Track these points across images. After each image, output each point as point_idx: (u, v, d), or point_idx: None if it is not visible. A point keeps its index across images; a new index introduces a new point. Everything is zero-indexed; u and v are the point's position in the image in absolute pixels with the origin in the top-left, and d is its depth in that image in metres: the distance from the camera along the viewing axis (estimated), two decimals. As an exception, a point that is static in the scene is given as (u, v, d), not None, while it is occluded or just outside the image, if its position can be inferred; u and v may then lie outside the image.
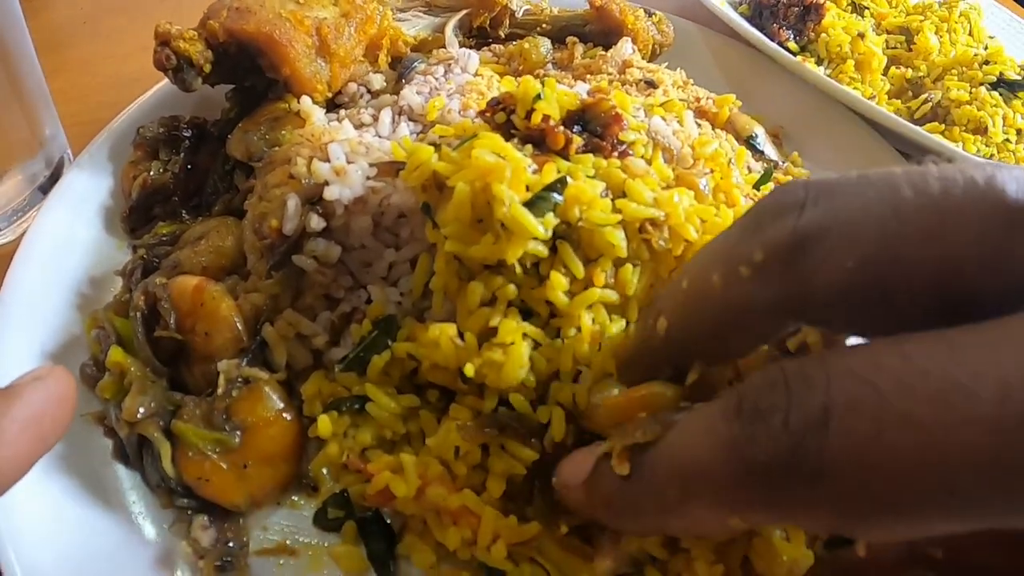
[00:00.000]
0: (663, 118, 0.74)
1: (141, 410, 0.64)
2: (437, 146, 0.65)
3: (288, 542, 0.65)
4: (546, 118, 0.67)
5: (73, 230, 0.78)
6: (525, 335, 0.63)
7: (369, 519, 0.64)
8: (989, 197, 0.36)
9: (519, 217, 0.60)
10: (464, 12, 0.91)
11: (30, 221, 0.79)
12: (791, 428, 0.36)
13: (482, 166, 0.61)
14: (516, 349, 0.62)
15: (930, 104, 0.96)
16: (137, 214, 0.78)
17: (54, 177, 0.86)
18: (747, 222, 0.43)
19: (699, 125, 0.79)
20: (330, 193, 0.64)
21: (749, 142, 0.80)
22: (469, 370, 0.62)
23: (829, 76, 0.97)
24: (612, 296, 0.64)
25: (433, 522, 0.62)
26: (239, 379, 0.65)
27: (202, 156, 0.79)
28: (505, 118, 0.69)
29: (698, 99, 0.80)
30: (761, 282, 0.41)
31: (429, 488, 0.61)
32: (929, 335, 0.35)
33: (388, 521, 0.64)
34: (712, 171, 0.74)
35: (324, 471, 0.66)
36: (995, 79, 0.97)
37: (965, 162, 0.85)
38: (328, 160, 0.66)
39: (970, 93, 0.95)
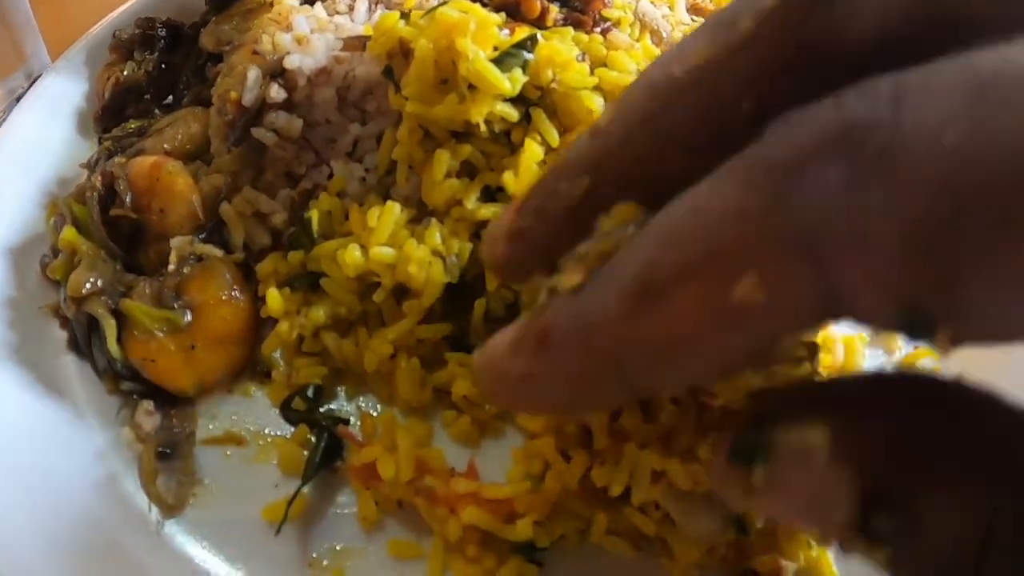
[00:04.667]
0: (652, 2, 0.70)
1: (88, 285, 0.60)
2: (405, 14, 0.62)
3: (237, 431, 0.60)
4: (521, -13, 0.64)
5: (45, 131, 0.77)
6: (437, 253, 0.57)
7: (327, 427, 0.58)
8: None
9: (483, 71, 0.56)
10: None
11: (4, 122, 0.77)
12: (845, 111, 0.24)
13: (446, 23, 0.57)
14: (433, 273, 0.56)
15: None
16: (109, 113, 0.76)
17: (34, 89, 0.85)
18: None
19: (693, 21, 0.75)
20: (291, 62, 0.61)
21: (748, 39, 0.75)
22: (379, 295, 0.57)
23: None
24: (588, 167, 0.60)
25: (424, 507, 0.54)
26: (192, 256, 0.61)
27: (177, 56, 0.77)
28: (479, -11, 0.65)
29: (693, -5, 0.76)
30: (770, 39, 0.28)
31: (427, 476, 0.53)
32: None
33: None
34: (704, 56, 0.69)
35: (276, 354, 0.61)
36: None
37: None
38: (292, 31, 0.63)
39: None
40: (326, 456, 0.57)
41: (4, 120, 0.85)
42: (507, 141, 0.60)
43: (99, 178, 0.64)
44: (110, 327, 0.60)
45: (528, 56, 0.58)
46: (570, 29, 0.63)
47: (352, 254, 0.57)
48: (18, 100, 0.84)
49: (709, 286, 0.25)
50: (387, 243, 0.58)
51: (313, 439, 0.58)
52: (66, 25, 0.93)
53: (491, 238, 0.38)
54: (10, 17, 0.84)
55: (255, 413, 0.61)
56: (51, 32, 0.91)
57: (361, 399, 0.61)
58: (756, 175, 0.25)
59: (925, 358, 0.63)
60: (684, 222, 0.27)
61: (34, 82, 0.85)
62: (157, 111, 0.75)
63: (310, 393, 0.59)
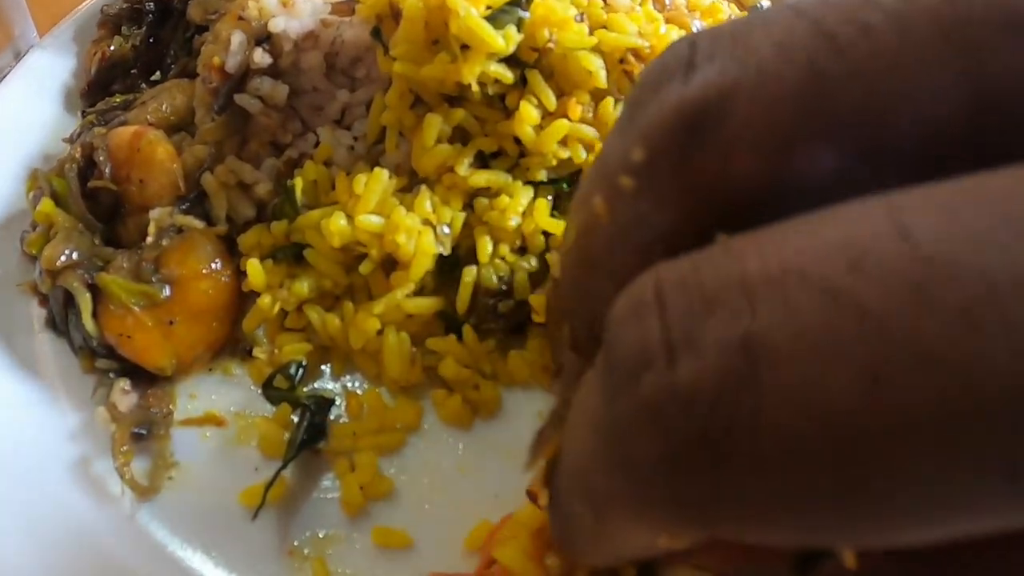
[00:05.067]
0: (656, -33, 0.67)
1: (63, 258, 0.58)
2: (396, -24, 0.59)
3: (217, 411, 0.57)
4: (518, -53, 0.61)
5: (32, 107, 0.74)
6: (428, 222, 0.54)
7: (310, 407, 0.55)
8: None
9: (476, 28, 0.53)
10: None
11: (-10, 101, 0.75)
12: (679, 387, 0.21)
13: (438, -20, 0.54)
14: (422, 243, 0.54)
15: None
16: (96, 89, 0.73)
17: (23, 69, 0.83)
18: (626, 105, 0.29)
19: (700, -11, 0.72)
20: (276, 25, 0.59)
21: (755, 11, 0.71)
22: (366, 267, 0.54)
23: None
24: (588, 131, 0.56)
25: None
26: (172, 228, 0.59)
27: (165, 30, 0.75)
28: (474, -49, 0.63)
29: (700, -37, 0.72)
30: (651, 194, 0.26)
31: None
32: (928, 188, 0.21)
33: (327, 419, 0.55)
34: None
35: (259, 331, 0.58)
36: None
37: None
38: (278, -4, 0.61)
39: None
40: (308, 436, 0.53)
41: (-9, 99, 0.83)
42: (501, 105, 0.57)
43: (79, 150, 0.62)
44: (85, 301, 0.57)
45: (523, 14, 0.55)
46: (570, -8, 0.60)
47: (337, 223, 0.54)
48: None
49: (633, 532, 0.26)
50: (374, 211, 0.55)
51: (295, 419, 0.54)
52: (55, 6, 0.91)
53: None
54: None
55: (236, 393, 0.58)
56: (40, 14, 0.89)
57: (347, 378, 0.58)
58: (617, 463, 0.24)
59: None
60: (583, 483, 0.27)
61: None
62: (144, 86, 0.73)
63: (293, 371, 0.56)
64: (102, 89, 0.73)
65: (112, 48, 0.74)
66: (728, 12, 0.68)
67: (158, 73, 0.74)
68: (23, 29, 0.86)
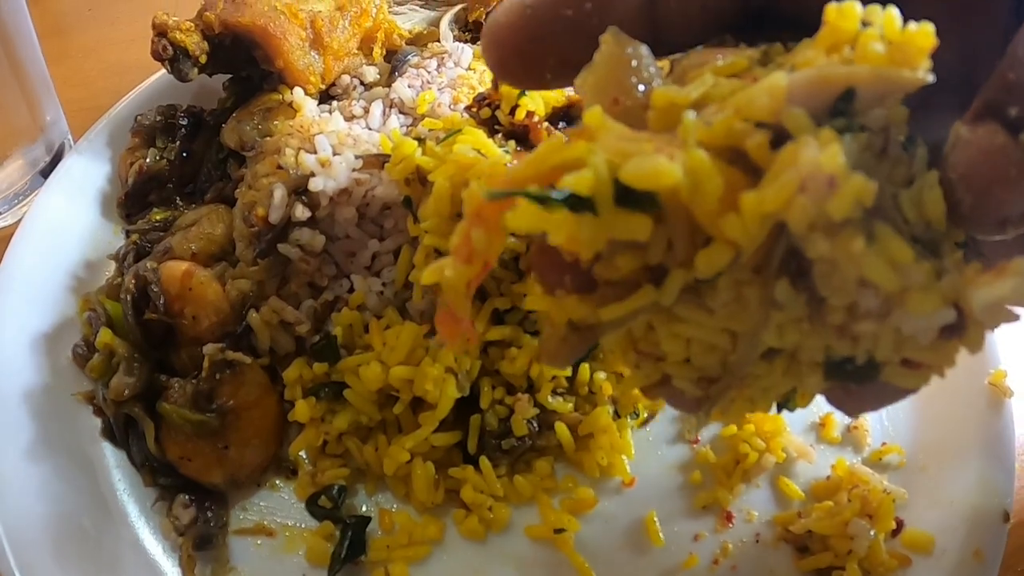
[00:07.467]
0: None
1: (127, 390, 0.66)
2: (422, 140, 0.67)
3: (266, 523, 0.67)
4: (530, 114, 0.68)
5: (70, 214, 0.80)
6: (450, 369, 0.64)
7: (351, 525, 0.64)
8: None
9: (497, 212, 0.61)
10: (460, 7, 0.92)
11: (31, 205, 0.80)
12: None
13: (461, 162, 0.62)
14: (446, 388, 0.63)
15: None
16: (133, 200, 0.79)
17: (55, 162, 0.88)
18: None
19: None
20: (315, 184, 0.66)
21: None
22: (398, 408, 0.64)
23: None
24: (589, 292, 0.66)
25: None
26: (223, 362, 0.67)
27: (198, 144, 0.81)
28: (490, 114, 0.70)
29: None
30: None
31: None
32: None
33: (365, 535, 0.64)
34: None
35: (302, 454, 0.67)
36: None
37: None
38: (315, 152, 0.68)
39: None
40: (350, 551, 0.63)
41: (26, 191, 0.88)
42: (515, 267, 0.65)
43: (132, 281, 0.69)
44: (149, 428, 0.65)
45: (537, 194, 0.63)
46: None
47: (374, 370, 0.63)
48: (42, 174, 0.88)
49: None
50: (405, 361, 0.64)
51: (338, 534, 0.64)
52: (84, 88, 0.95)
53: None
54: (28, 82, 0.86)
55: (283, 506, 0.67)
56: (68, 94, 0.93)
57: (380, 495, 0.67)
58: None
59: (891, 454, 0.71)
60: None
61: (55, 157, 0.88)
62: (179, 199, 0.79)
63: (335, 492, 0.65)
64: (138, 200, 0.80)
65: (148, 161, 0.79)
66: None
67: (191, 186, 0.80)
68: (54, 116, 0.90)
